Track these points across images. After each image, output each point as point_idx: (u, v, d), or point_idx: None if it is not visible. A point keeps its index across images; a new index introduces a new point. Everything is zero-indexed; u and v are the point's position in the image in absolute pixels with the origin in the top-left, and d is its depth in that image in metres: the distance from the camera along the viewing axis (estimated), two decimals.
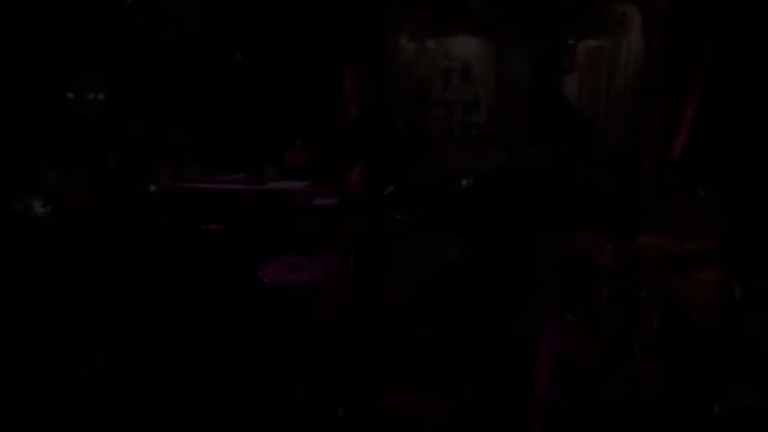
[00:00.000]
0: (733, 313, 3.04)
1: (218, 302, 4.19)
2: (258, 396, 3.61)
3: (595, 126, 8.06)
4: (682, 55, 5.72)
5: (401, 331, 5.10)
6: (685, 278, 3.36)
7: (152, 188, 9.67)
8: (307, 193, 4.15)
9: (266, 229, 4.33)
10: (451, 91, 11.93)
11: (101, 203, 5.54)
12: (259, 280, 3.25)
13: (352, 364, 3.71)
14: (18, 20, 8.96)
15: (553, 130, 8.38)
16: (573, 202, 6.75)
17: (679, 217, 4.18)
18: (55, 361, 3.54)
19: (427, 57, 10.43)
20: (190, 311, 4.14)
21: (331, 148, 4.67)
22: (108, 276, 4.39)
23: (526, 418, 3.40)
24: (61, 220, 5.00)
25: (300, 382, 3.53)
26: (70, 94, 11.60)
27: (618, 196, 6.42)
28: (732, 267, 3.16)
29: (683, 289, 3.31)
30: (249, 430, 3.40)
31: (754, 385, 2.81)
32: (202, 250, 4.55)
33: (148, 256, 4.57)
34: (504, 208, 7.18)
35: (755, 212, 3.42)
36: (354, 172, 4.30)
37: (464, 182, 8.91)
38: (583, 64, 8.54)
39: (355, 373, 3.75)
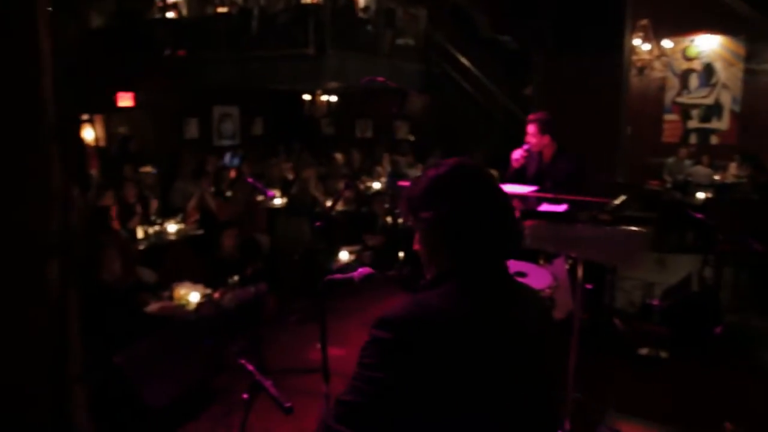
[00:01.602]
0: None
1: None
2: None
3: None
4: None
5: (624, 349, 4.78)
6: None
7: (373, 186, 10.22)
8: (534, 198, 4.04)
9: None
10: (689, 95, 11.00)
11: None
12: None
13: (568, 380, 3.54)
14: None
15: None
16: None
17: None
18: None
19: (661, 58, 9.70)
20: None
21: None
22: None
23: None
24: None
25: None
26: (307, 97, 12.71)
27: None
28: None
29: None
30: None
31: None
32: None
33: None
34: (745, 225, 6.40)
35: None
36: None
37: (700, 194, 8.18)
38: None
39: (574, 390, 3.58)
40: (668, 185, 9.15)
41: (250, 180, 5.75)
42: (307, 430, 3.67)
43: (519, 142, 4.80)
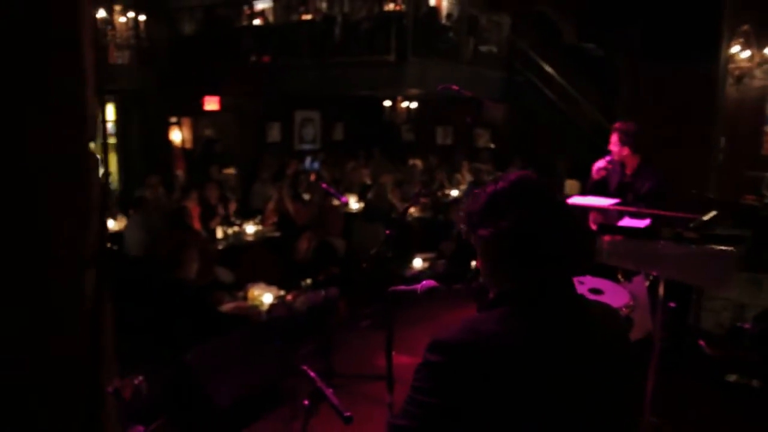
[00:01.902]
0: None
1: None
2: None
3: None
4: None
5: (710, 374, 4.49)
6: None
7: (452, 194, 10.11)
8: (615, 212, 3.86)
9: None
10: None
11: None
12: None
13: (645, 403, 3.34)
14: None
15: None
16: None
17: None
18: None
19: (763, 66, 9.12)
20: None
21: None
22: None
23: None
24: None
25: None
26: (388, 103, 12.76)
27: None
28: None
29: None
30: None
31: None
32: None
33: None
34: None
35: None
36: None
37: None
38: None
39: (650, 415, 3.38)
40: (766, 200, 8.56)
41: (323, 185, 5.80)
42: None
43: (603, 152, 4.61)
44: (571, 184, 9.62)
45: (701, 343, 4.81)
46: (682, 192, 6.29)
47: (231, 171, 10.31)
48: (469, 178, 11.08)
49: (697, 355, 4.69)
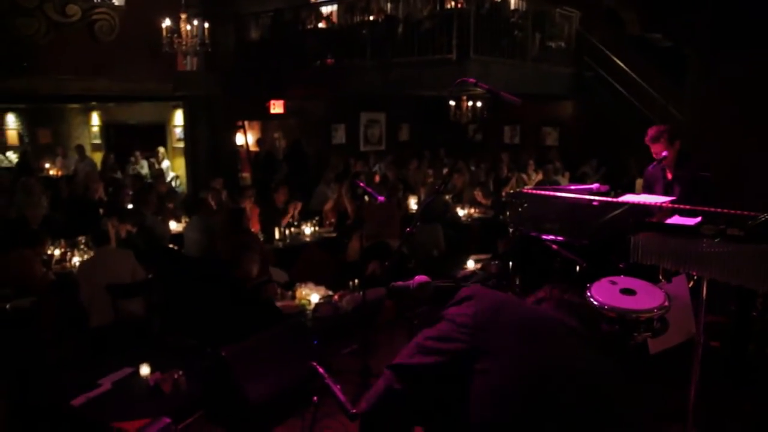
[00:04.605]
0: None
1: None
2: None
3: None
4: None
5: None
6: None
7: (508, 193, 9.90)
8: (666, 209, 3.66)
9: (612, 244, 3.94)
10: None
11: None
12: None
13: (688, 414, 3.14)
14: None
15: None
16: None
17: None
18: None
19: None
20: None
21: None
22: None
23: None
24: None
25: None
26: (452, 102, 12.64)
27: None
28: None
29: None
30: None
31: None
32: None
33: None
34: None
35: None
36: None
37: None
38: None
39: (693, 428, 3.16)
40: None
41: (361, 184, 5.78)
42: None
43: None
44: (641, 183, 9.21)
45: None
46: (752, 189, 5.92)
47: None
48: (535, 177, 10.83)
49: (762, 364, 4.36)
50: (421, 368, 1.56)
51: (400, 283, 2.22)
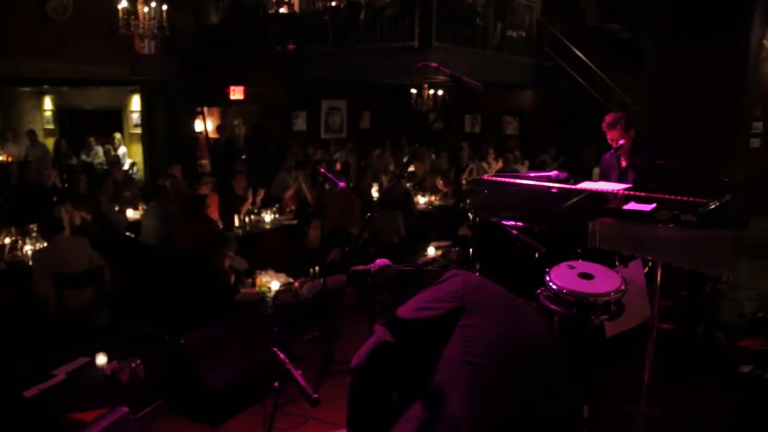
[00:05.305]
0: None
1: None
2: None
3: None
4: None
5: (723, 366, 4.31)
6: None
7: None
8: (622, 196, 3.73)
9: (569, 230, 4.00)
10: None
11: None
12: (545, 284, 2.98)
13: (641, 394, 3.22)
14: None
15: None
16: None
17: None
18: None
19: None
20: None
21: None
22: None
23: None
24: None
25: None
26: (414, 90, 12.64)
27: None
28: None
29: None
30: None
31: None
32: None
33: None
34: None
35: None
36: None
37: None
38: None
39: (648, 407, 3.25)
40: None
41: (322, 170, 5.75)
42: None
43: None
44: (598, 172, 9.38)
45: (717, 334, 4.62)
46: (705, 176, 6.07)
47: None
48: (495, 166, 10.92)
49: (711, 345, 4.51)
50: (414, 322, 1.92)
51: (360, 266, 2.21)
